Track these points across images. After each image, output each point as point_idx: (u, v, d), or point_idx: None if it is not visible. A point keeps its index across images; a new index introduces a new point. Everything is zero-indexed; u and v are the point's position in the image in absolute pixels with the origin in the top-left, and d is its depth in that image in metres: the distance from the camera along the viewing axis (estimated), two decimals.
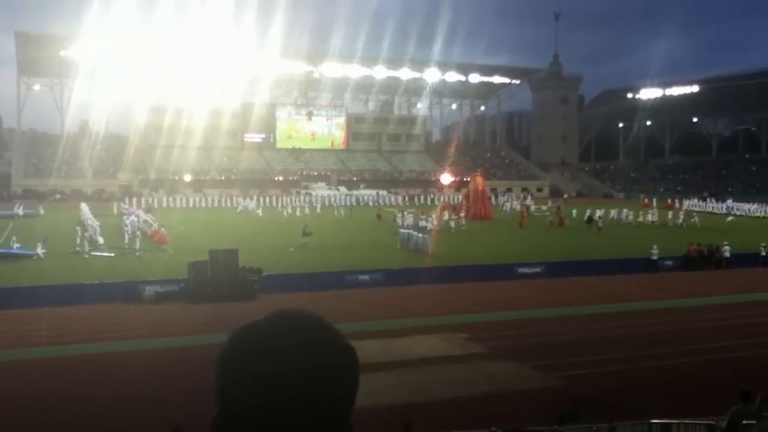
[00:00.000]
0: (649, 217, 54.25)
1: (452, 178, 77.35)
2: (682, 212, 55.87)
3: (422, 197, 77.93)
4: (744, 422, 9.93)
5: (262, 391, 1.01)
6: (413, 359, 17.61)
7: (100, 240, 36.81)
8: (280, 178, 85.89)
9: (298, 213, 57.63)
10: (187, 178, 78.29)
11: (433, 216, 48.28)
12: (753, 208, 66.95)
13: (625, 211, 55.81)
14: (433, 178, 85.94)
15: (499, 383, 16.06)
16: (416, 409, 13.92)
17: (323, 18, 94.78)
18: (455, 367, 17.22)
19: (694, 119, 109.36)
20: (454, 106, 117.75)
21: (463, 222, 49.27)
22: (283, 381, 1.01)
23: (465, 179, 78.53)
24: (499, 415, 13.18)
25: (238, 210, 62.94)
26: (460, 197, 69.78)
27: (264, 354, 1.04)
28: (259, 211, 59.24)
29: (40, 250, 32.40)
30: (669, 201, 74.08)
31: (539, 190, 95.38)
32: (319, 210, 61.88)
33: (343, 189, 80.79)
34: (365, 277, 27.91)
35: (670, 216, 54.37)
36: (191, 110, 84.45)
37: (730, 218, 54.36)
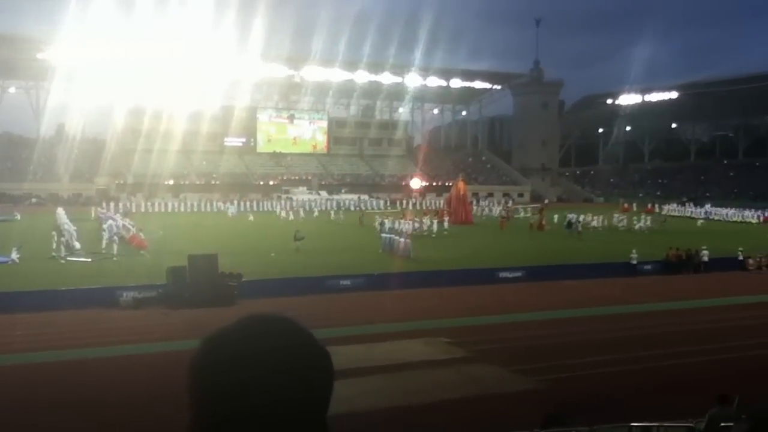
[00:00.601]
0: (615, 221, 54.42)
1: (422, 183, 77.86)
2: (644, 216, 55.99)
3: (404, 202, 77.99)
4: (722, 425, 9.99)
5: (235, 396, 1.01)
6: (395, 364, 17.50)
7: (77, 245, 36.24)
8: (261, 183, 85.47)
9: (291, 217, 56.95)
10: (170, 182, 77.55)
11: (418, 219, 48.35)
12: (730, 213, 68.03)
13: (600, 216, 55.99)
14: (403, 183, 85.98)
15: (481, 387, 16.01)
16: (398, 414, 13.82)
17: (304, 21, 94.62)
18: (438, 371, 17.15)
19: (673, 125, 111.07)
20: (435, 111, 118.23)
21: (446, 226, 49.34)
22: (255, 386, 1.01)
23: (447, 183, 78.89)
24: (481, 419, 13.13)
25: (230, 214, 62.70)
26: (442, 202, 70.00)
27: (235, 359, 1.03)
28: (251, 217, 58.67)
29: (15, 256, 31.85)
30: (649, 206, 75.05)
31: (520, 195, 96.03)
32: (316, 214, 61.46)
33: (324, 193, 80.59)
34: (347, 282, 27.77)
35: (634, 220, 54.71)
36: (170, 113, 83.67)
37: (700, 222, 55.01)
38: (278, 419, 1.01)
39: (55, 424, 13.34)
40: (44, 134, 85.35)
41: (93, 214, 55.03)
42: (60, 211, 49.99)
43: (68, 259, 33.30)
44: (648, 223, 53.62)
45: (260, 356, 1.03)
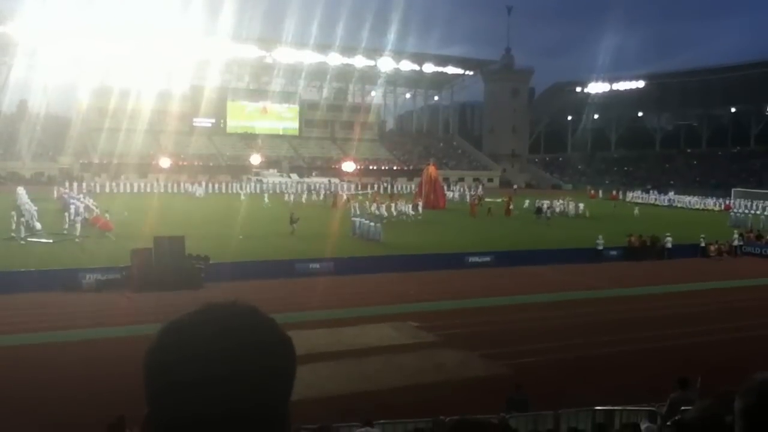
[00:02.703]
0: (570, 208, 54.76)
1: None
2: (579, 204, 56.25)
3: (375, 186, 77.87)
4: (682, 408, 10.20)
5: (192, 389, 0.99)
6: (363, 348, 17.50)
7: (38, 225, 35.31)
8: (230, 164, 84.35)
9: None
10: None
11: (384, 203, 48.30)
12: (693, 201, 69.59)
13: (568, 202, 56.39)
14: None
15: (447, 372, 16.11)
16: (364, 398, 13.82)
17: (277, 2, 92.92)
18: (405, 355, 17.21)
19: (639, 114, 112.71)
20: (408, 96, 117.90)
21: (420, 211, 49.37)
22: (213, 378, 0.99)
23: (418, 168, 78.97)
24: (447, 403, 13.21)
25: (197, 196, 62.04)
26: (413, 186, 70.06)
27: (192, 352, 1.00)
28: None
29: None
30: (613, 192, 76.31)
31: (490, 180, 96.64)
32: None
33: (294, 176, 79.95)
34: (315, 266, 27.63)
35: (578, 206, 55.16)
36: (138, 93, 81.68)
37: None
38: (238, 410, 0.98)
39: (14, 409, 13.00)
40: (5, 111, 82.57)
41: (55, 194, 53.64)
42: (20, 190, 48.61)
43: (28, 240, 32.43)
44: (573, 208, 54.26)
45: (218, 348, 0.99)
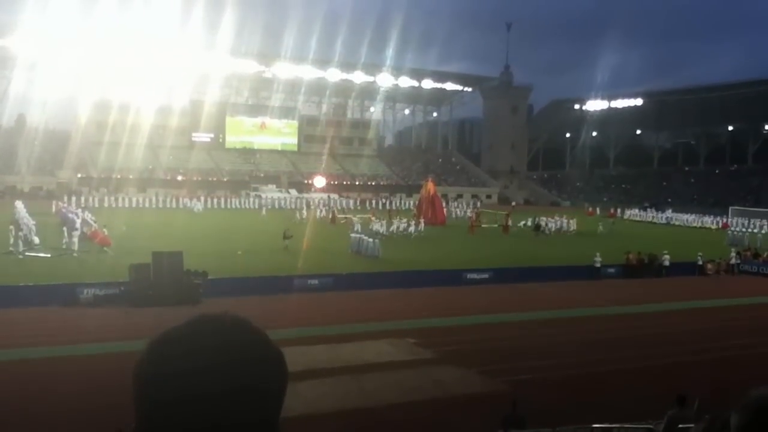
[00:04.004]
0: (566, 226, 54.85)
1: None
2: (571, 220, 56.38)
3: (374, 201, 78.03)
4: (680, 426, 10.21)
5: (181, 403, 0.97)
6: (361, 365, 17.46)
7: (36, 240, 35.27)
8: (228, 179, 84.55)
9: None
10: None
11: (380, 220, 48.29)
12: (690, 219, 69.76)
13: (567, 220, 56.36)
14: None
15: (446, 388, 16.08)
16: (362, 415, 13.79)
17: (276, 17, 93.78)
18: (403, 372, 17.17)
19: (638, 131, 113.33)
20: (407, 112, 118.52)
21: (422, 228, 49.26)
22: (203, 390, 0.97)
23: (416, 183, 79.23)
24: (445, 420, 13.18)
25: (195, 211, 62.13)
26: (411, 202, 70.11)
27: (183, 362, 0.99)
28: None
29: None
30: (611, 210, 76.53)
31: (488, 197, 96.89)
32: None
33: (293, 192, 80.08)
34: (314, 282, 27.62)
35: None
36: (137, 107, 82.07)
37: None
38: (228, 422, 0.97)
39: (12, 426, 12.95)
40: (4, 125, 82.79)
41: (54, 209, 53.62)
42: (19, 204, 48.56)
43: (26, 254, 32.39)
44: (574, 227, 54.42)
45: (209, 360, 0.98)
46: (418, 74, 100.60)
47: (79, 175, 76.83)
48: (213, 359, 0.98)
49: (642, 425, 11.48)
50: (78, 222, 40.03)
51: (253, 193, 77.46)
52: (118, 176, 75.82)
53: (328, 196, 78.30)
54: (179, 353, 0.99)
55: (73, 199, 62.31)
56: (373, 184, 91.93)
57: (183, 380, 0.97)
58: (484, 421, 12.91)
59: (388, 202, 77.04)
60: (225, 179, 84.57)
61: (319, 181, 79.26)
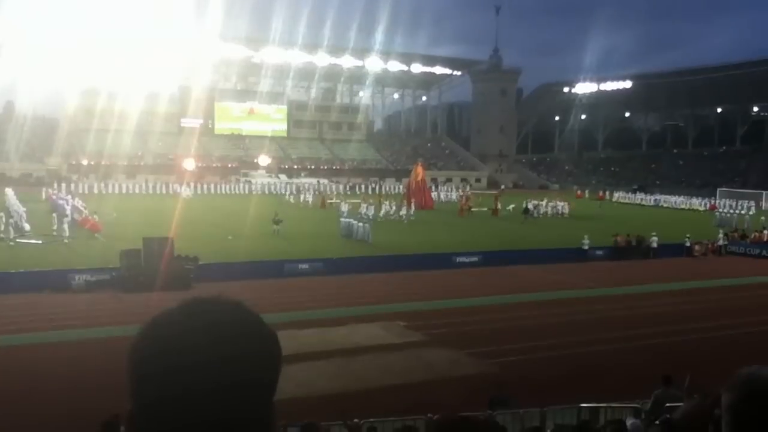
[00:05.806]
0: (560, 209, 55.52)
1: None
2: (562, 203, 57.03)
3: (363, 186, 78.03)
4: (666, 404, 10.44)
5: (177, 383, 0.97)
6: (352, 348, 17.66)
7: (27, 226, 35.15)
8: (218, 165, 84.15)
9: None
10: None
11: (378, 205, 48.43)
12: (679, 201, 70.36)
13: (560, 203, 56.93)
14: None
15: (436, 370, 16.30)
16: (353, 398, 13.98)
17: (264, 1, 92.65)
18: (393, 355, 17.38)
19: (626, 114, 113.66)
20: (396, 96, 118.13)
21: (412, 212, 49.47)
22: (199, 370, 0.97)
23: (406, 168, 79.22)
24: (435, 402, 13.38)
25: (184, 196, 61.62)
26: (401, 187, 70.15)
27: (178, 345, 0.99)
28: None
29: None
30: (600, 193, 77.04)
31: (477, 180, 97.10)
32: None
33: (283, 177, 79.90)
34: (305, 266, 27.75)
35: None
36: (125, 94, 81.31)
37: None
38: (222, 405, 1.00)
39: (5, 411, 13.03)
40: None
41: (44, 195, 53.31)
42: (9, 191, 48.29)
43: (17, 240, 32.32)
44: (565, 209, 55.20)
45: (203, 343, 0.99)
46: (407, 58, 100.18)
47: (68, 162, 76.23)
48: (207, 338, 0.99)
49: (629, 405, 11.71)
50: (68, 208, 39.90)
51: (243, 179, 77.24)
52: (108, 163, 75.31)
53: (318, 181, 78.24)
54: (173, 333, 1.01)
55: (63, 185, 61.91)
56: (363, 168, 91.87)
57: (177, 358, 0.98)
58: (475, 402, 13.13)
59: (377, 187, 77.10)
60: (214, 165, 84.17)
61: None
